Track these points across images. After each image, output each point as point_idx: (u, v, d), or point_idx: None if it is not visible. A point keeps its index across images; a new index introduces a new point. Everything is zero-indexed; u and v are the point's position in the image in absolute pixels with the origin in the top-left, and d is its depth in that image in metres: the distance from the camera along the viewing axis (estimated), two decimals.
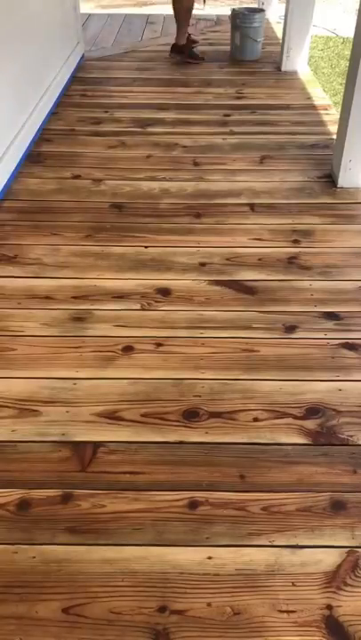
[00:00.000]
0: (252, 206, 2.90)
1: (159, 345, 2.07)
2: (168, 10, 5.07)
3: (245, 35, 4.90)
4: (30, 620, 1.32)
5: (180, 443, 1.72)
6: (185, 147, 3.52)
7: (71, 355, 2.03)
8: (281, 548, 1.46)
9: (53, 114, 3.93)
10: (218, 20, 6.01)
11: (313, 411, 1.83)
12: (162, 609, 1.33)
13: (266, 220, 2.81)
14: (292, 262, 2.52)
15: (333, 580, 1.39)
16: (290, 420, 1.80)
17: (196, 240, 2.65)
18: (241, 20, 4.90)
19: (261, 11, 5.05)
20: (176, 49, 4.94)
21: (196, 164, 3.34)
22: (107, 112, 3.99)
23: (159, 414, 1.81)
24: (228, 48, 5.17)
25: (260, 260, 2.54)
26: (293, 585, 1.38)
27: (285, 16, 4.68)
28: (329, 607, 1.34)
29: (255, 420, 1.80)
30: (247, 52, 5.01)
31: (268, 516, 1.53)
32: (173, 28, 5.00)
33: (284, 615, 1.33)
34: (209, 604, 1.35)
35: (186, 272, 2.45)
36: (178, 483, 1.61)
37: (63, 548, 1.45)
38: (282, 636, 1.29)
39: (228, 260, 2.53)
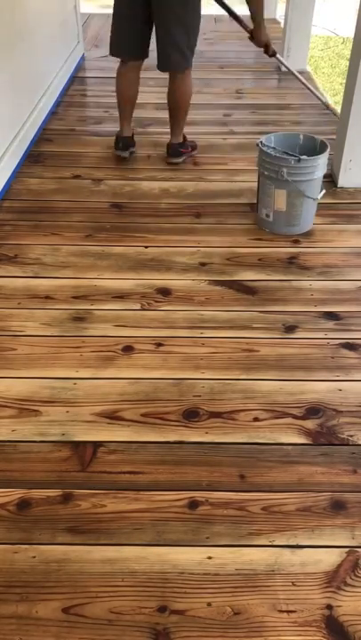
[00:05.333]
0: (252, 206, 2.90)
1: (159, 345, 2.07)
2: None
3: (297, 192, 2.60)
4: (30, 619, 1.32)
5: (180, 442, 1.72)
6: None
7: (71, 355, 2.03)
8: (281, 547, 1.46)
9: (53, 114, 3.93)
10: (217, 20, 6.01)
11: (313, 411, 1.83)
12: (162, 609, 1.33)
13: None
14: (292, 262, 2.52)
15: (333, 579, 1.39)
16: (290, 420, 1.80)
17: (196, 240, 2.65)
18: (290, 172, 2.56)
19: (324, 147, 2.67)
20: (175, 150, 3.32)
21: (196, 163, 3.34)
22: (107, 112, 3.99)
23: (159, 414, 1.81)
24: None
25: (260, 260, 2.54)
26: (293, 585, 1.38)
27: (285, 16, 4.69)
28: (329, 607, 1.34)
29: (255, 419, 1.80)
30: (301, 220, 2.71)
31: (268, 515, 1.53)
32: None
33: (284, 615, 1.33)
34: (209, 604, 1.34)
35: (186, 272, 2.45)
36: (178, 483, 1.61)
37: (63, 548, 1.45)
38: (282, 636, 1.29)
39: (228, 259, 2.53)
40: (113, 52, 3.18)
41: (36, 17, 3.59)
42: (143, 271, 2.45)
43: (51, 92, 3.92)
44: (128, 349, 2.05)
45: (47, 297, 2.30)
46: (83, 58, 4.99)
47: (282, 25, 4.98)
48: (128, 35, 3.02)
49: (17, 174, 3.14)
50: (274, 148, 2.70)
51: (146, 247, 2.60)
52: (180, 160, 3.32)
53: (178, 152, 3.32)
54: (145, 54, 3.12)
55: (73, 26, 4.68)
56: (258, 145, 2.69)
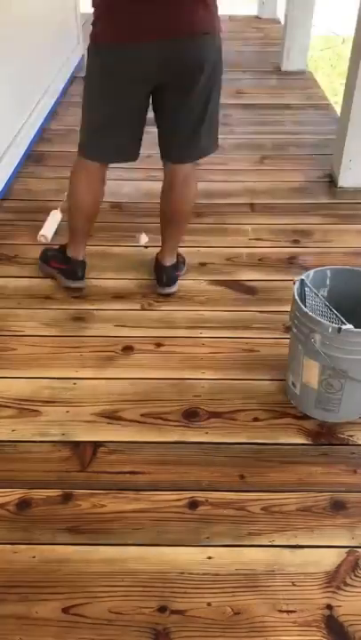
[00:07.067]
0: (252, 206, 2.90)
1: (159, 345, 2.07)
2: None
3: (334, 370, 1.66)
4: (30, 619, 1.32)
5: (180, 443, 1.72)
6: None
7: (71, 355, 2.03)
8: (281, 547, 1.46)
9: (53, 114, 3.93)
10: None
11: None
12: (162, 609, 1.33)
13: (266, 219, 2.81)
14: (292, 262, 2.52)
15: (333, 579, 1.39)
16: (290, 420, 1.80)
17: (196, 240, 2.65)
18: (325, 342, 1.62)
19: None
20: (173, 275, 2.32)
21: (195, 163, 3.33)
22: None
23: (159, 414, 1.81)
24: None
25: (260, 260, 2.53)
26: (293, 585, 1.38)
27: (285, 16, 4.68)
28: (329, 607, 1.34)
29: (255, 419, 1.80)
30: (341, 407, 1.75)
31: (268, 515, 1.53)
32: None
33: (284, 615, 1.33)
34: (209, 604, 1.34)
35: (186, 272, 2.44)
36: (178, 483, 1.61)
37: (63, 548, 1.45)
38: (282, 636, 1.30)
39: (228, 259, 2.53)
40: None
41: (35, 17, 3.59)
42: (143, 271, 2.45)
43: (51, 92, 3.92)
44: (128, 349, 2.05)
45: (47, 297, 2.30)
46: (83, 58, 4.98)
47: (282, 24, 4.97)
48: None
49: (17, 174, 3.14)
50: (322, 293, 1.76)
51: (146, 247, 2.60)
52: (175, 290, 2.30)
53: (175, 278, 2.31)
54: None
55: (73, 26, 4.67)
56: (294, 283, 1.74)
